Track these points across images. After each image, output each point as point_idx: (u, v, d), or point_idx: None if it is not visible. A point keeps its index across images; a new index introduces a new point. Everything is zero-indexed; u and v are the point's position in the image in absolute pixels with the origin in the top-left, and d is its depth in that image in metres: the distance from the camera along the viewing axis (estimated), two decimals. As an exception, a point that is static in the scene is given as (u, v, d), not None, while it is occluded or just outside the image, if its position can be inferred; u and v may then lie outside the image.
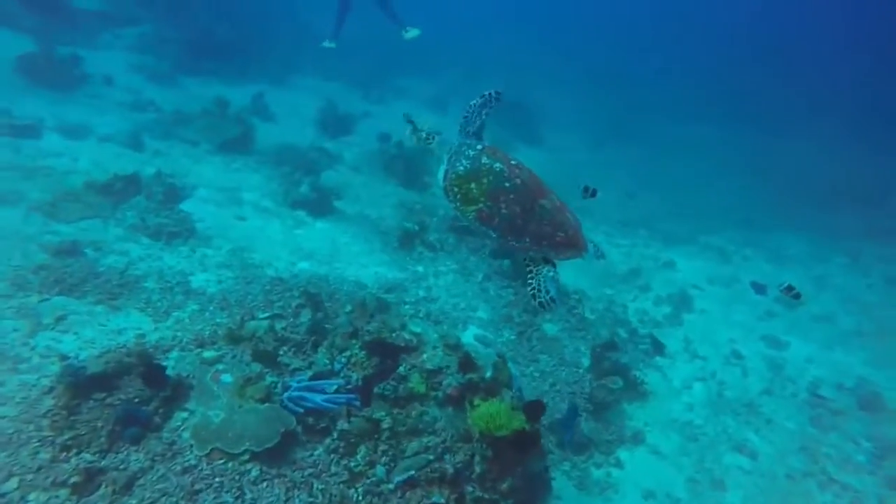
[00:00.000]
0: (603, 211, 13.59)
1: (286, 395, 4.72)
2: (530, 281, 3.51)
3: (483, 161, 3.49)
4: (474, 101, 3.76)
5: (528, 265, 3.55)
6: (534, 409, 4.42)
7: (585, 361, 7.32)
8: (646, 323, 9.20)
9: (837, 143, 18.89)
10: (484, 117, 3.75)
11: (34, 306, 5.20)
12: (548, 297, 3.45)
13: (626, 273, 10.77)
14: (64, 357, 4.72)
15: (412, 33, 10.60)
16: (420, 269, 8.40)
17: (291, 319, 5.85)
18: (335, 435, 4.57)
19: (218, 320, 5.65)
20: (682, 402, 7.41)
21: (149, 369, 4.37)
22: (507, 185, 3.43)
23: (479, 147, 3.59)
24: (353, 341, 5.25)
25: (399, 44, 11.04)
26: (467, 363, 4.84)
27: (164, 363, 4.78)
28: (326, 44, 11.21)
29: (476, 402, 4.82)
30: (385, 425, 4.69)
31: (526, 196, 3.41)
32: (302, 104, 15.91)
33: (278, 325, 5.60)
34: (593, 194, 4.13)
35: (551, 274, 3.52)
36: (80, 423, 4.02)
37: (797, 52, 28.27)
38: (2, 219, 6.45)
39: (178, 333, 5.32)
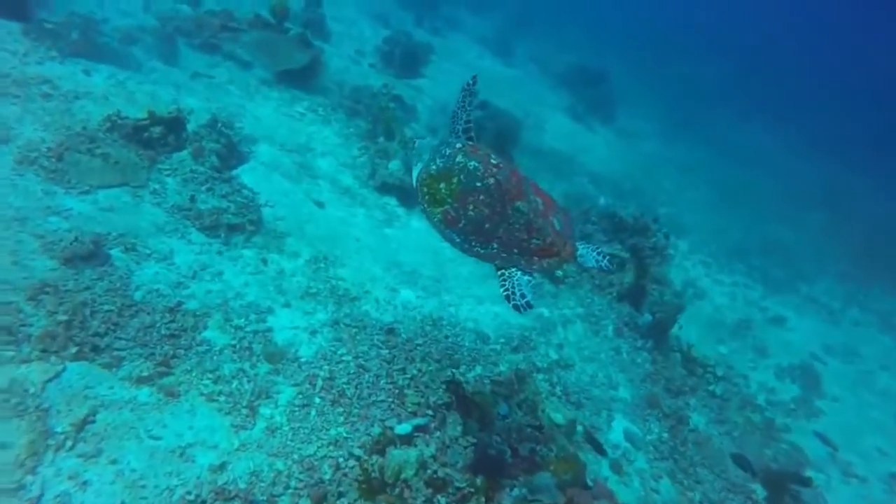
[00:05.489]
0: (695, 229, 11.73)
1: None
2: (503, 283, 2.98)
3: (458, 160, 3.04)
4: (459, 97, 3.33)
5: (500, 271, 3.03)
6: None
7: (757, 489, 5.61)
8: (776, 407, 7.60)
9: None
10: (470, 114, 3.32)
11: (36, 391, 2.94)
12: (523, 301, 2.91)
13: (734, 325, 9.22)
14: (93, 531, 2.58)
15: None
16: (545, 311, 6.35)
17: (437, 433, 3.80)
18: None
19: (334, 432, 3.51)
20: (856, 549, 5.90)
21: None
22: (478, 184, 2.97)
23: (458, 145, 3.13)
24: (565, 524, 3.29)
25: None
26: None
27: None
28: None
29: None
30: None
31: (498, 197, 2.94)
32: (357, 20, 12.97)
33: (426, 452, 3.56)
34: None
35: (527, 278, 2.98)
36: None
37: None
38: (-24, 177, 3.96)
39: (279, 463, 3.19)
